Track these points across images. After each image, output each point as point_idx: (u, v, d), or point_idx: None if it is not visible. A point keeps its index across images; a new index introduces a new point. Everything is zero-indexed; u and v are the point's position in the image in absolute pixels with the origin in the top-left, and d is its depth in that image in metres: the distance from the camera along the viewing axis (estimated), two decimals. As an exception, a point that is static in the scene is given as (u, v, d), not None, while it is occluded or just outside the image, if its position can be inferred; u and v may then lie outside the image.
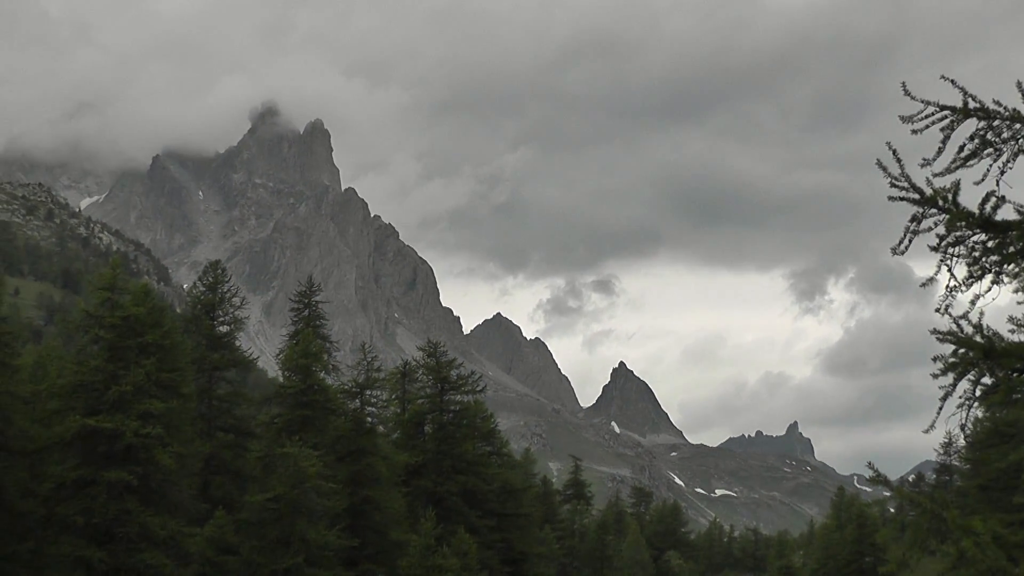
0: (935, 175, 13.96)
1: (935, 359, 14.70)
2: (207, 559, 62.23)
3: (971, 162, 13.98)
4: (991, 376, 14.70)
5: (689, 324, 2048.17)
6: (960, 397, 14.94)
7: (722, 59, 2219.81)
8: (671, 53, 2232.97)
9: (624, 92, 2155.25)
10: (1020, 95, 13.62)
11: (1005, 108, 13.72)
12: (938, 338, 14.52)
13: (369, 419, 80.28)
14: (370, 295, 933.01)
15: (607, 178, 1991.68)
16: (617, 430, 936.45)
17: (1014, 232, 13.78)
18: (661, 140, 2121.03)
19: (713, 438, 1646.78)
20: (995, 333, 14.43)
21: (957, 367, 14.60)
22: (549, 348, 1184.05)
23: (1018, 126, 13.72)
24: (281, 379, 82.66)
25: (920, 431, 15.55)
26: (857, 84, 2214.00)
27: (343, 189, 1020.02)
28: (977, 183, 13.98)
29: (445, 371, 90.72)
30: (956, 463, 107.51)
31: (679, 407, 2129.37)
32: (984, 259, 14.07)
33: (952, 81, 13.75)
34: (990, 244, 14.00)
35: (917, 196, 13.90)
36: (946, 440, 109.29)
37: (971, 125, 13.94)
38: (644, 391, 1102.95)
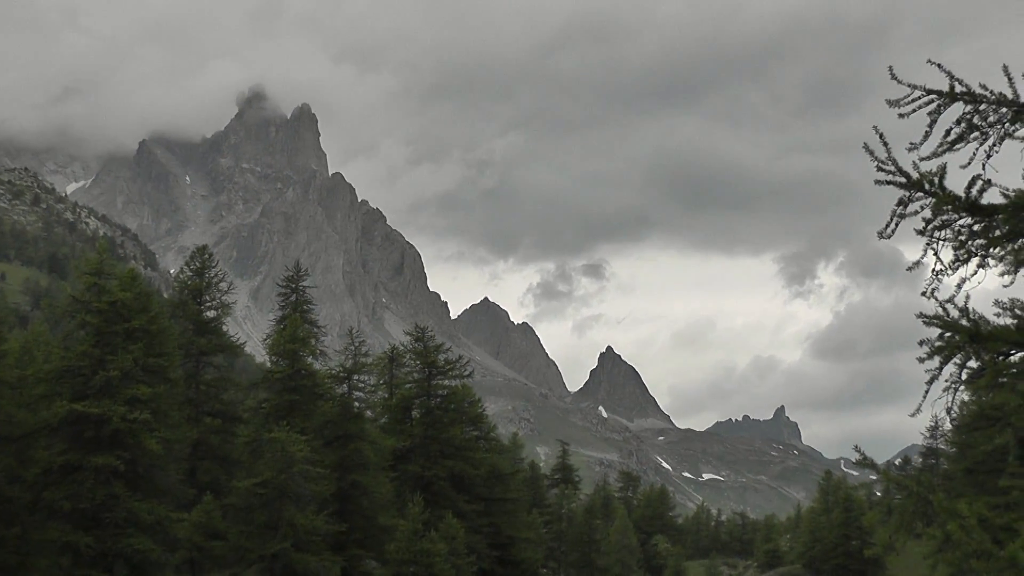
0: (922, 159, 13.97)
1: (921, 343, 14.72)
2: (194, 544, 62.25)
3: (957, 146, 13.98)
4: (977, 360, 14.72)
5: (679, 308, 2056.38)
6: (946, 381, 14.96)
7: (714, 43, 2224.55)
8: (663, 37, 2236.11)
9: (615, 76, 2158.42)
10: (1007, 79, 13.63)
11: (991, 92, 13.73)
12: (924, 322, 14.54)
13: (357, 404, 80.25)
14: (357, 280, 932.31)
15: (598, 162, 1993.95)
16: (605, 415, 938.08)
17: (1000, 216, 13.80)
18: (652, 124, 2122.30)
19: (702, 422, 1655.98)
20: (981, 317, 14.44)
21: (943, 351, 14.62)
22: (537, 333, 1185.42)
23: (1004, 110, 13.73)
24: (269, 364, 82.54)
25: (907, 415, 15.58)
26: (849, 68, 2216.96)
27: (330, 174, 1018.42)
28: (963, 167, 13.99)
29: (433, 356, 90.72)
30: (942, 446, 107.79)
31: (668, 391, 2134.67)
32: (970, 243, 14.09)
33: (939, 65, 13.75)
34: (976, 228, 14.02)
35: (904, 180, 13.90)
36: (932, 424, 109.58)
37: (958, 109, 13.95)
38: (632, 375, 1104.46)
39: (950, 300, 14.39)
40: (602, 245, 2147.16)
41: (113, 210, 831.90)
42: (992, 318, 14.56)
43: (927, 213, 14.07)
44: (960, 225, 14.09)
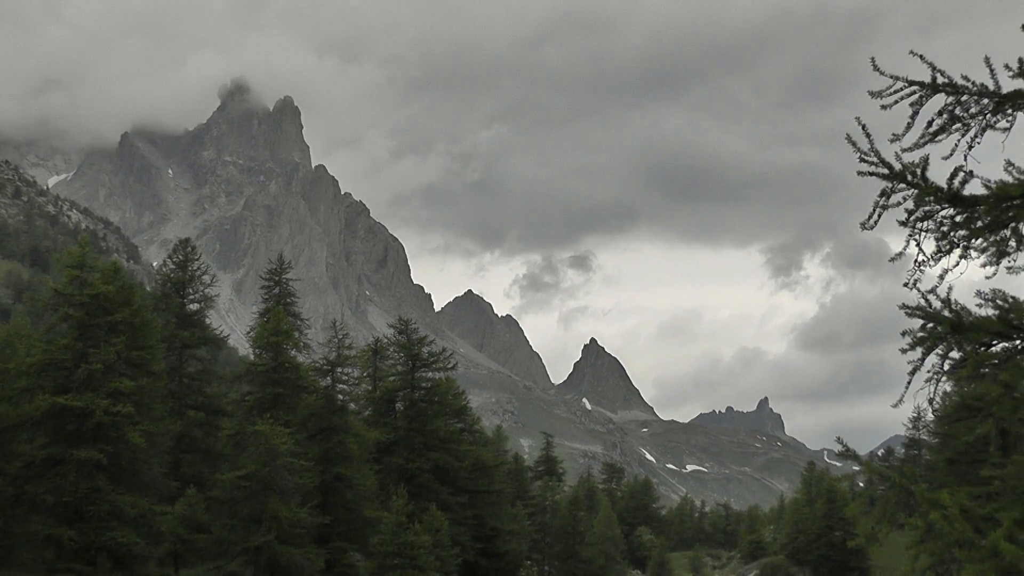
0: (904, 150, 13.99)
1: (904, 333, 14.75)
2: (178, 537, 62.19)
3: (940, 137, 14.00)
4: (959, 350, 14.77)
5: (665, 300, 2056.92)
6: (929, 371, 15.00)
7: (699, 35, 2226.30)
8: (648, 29, 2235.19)
9: (601, 68, 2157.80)
10: (988, 70, 13.66)
11: (973, 83, 13.75)
12: (907, 313, 14.57)
13: (340, 397, 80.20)
14: (341, 273, 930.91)
15: (584, 154, 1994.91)
16: (588, 407, 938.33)
17: (982, 207, 13.83)
18: (638, 116, 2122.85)
19: (686, 414, 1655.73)
20: (963, 307, 14.48)
21: (925, 341, 14.66)
22: (522, 325, 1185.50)
23: (986, 101, 13.75)
24: (252, 357, 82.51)
25: (890, 405, 15.62)
26: (834, 60, 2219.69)
27: (314, 167, 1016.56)
28: (945, 158, 14.02)
29: (416, 348, 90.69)
30: (925, 437, 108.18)
31: (654, 383, 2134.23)
32: (952, 234, 14.12)
33: (921, 56, 13.77)
34: (958, 219, 14.05)
35: (886, 171, 13.93)
36: (915, 415, 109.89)
37: (940, 100, 13.97)
38: (615, 367, 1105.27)
39: (932, 291, 14.43)
40: (588, 237, 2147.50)
41: (95, 203, 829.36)
42: (974, 309, 14.60)
43: (910, 204, 14.10)
44: (942, 216, 14.12)
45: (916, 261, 14.27)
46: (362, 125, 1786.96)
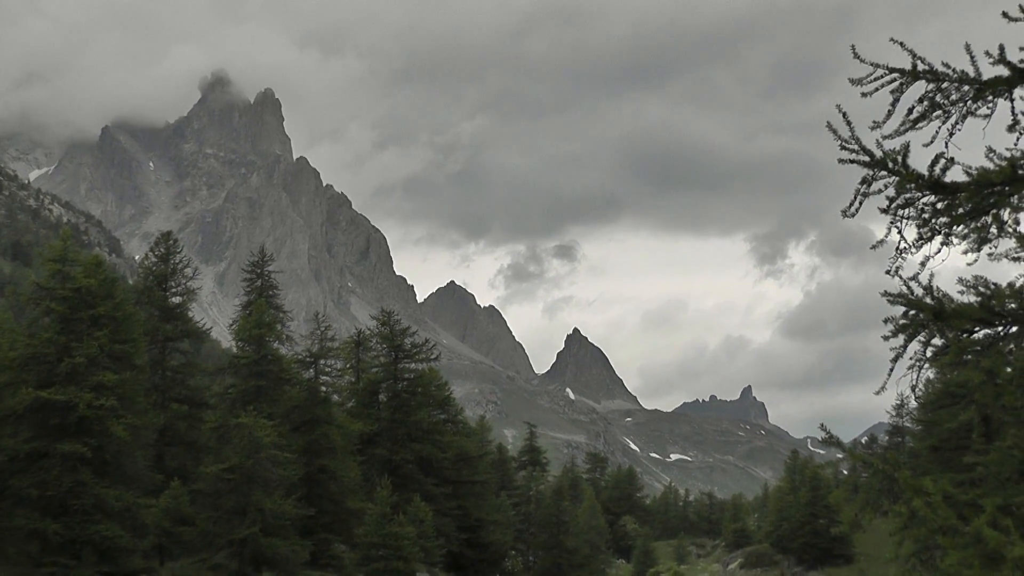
0: (885, 138, 14.04)
1: (886, 321, 14.81)
2: (163, 530, 62.13)
3: (920, 124, 14.04)
4: (941, 337, 14.83)
5: (650, 289, 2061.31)
6: (911, 359, 15.07)
7: (682, 25, 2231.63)
8: (631, 19, 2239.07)
9: (584, 58, 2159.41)
10: (969, 58, 13.70)
11: (953, 70, 13.79)
12: (889, 300, 14.63)
13: (323, 388, 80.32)
14: (323, 264, 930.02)
15: (568, 144, 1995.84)
16: (572, 396, 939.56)
17: (963, 194, 13.89)
18: (621, 106, 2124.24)
19: (671, 403, 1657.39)
20: (945, 295, 14.54)
21: (907, 328, 14.72)
22: (505, 315, 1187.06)
23: (966, 88, 13.79)
24: (235, 350, 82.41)
25: (873, 393, 15.69)
26: (817, 49, 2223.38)
27: (295, 159, 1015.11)
28: (926, 145, 14.06)
29: (399, 340, 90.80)
30: (908, 424, 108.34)
31: (639, 372, 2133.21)
32: (934, 221, 14.17)
33: (901, 44, 13.80)
34: (939, 206, 14.10)
35: (867, 158, 13.98)
36: (898, 402, 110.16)
37: (920, 87, 14.01)
38: (599, 357, 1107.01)
39: (914, 278, 14.48)
40: (573, 227, 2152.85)
41: (76, 197, 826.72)
42: (956, 296, 14.66)
43: (891, 191, 14.15)
44: (923, 203, 14.18)
45: (898, 248, 14.33)
46: (344, 117, 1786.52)
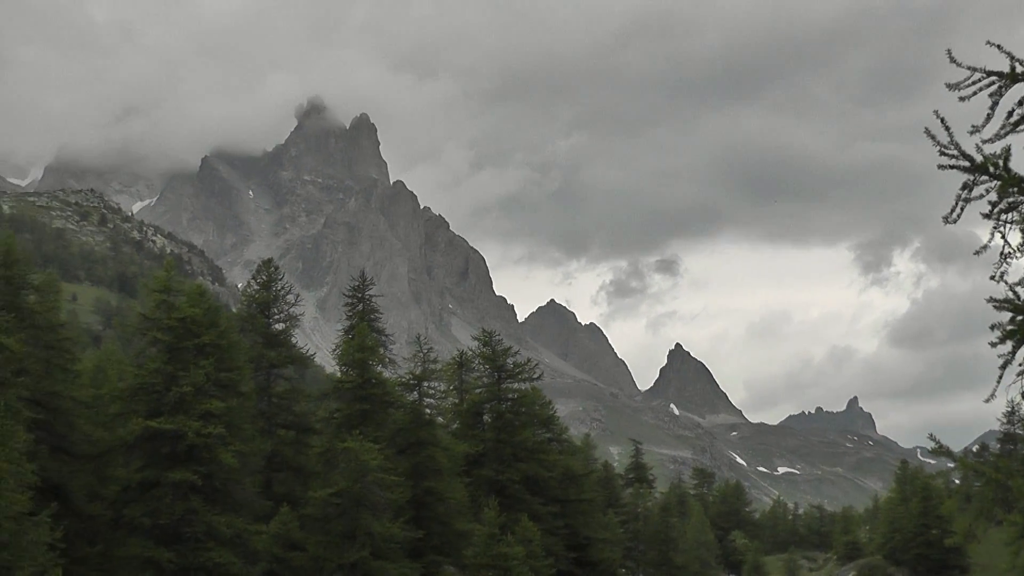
0: (985, 142, 13.87)
1: (993, 327, 14.61)
2: (274, 556, 62.61)
3: (1021, 128, 13.87)
4: (1050, 342, 14.59)
5: (753, 301, 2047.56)
6: (1020, 364, 14.85)
7: (776, 33, 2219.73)
8: (725, 30, 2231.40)
9: (678, 71, 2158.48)
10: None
11: (1054, 72, 13.59)
12: (995, 306, 14.44)
13: (428, 411, 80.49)
14: (423, 287, 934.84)
15: (665, 158, 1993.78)
16: (676, 412, 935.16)
17: (1067, 196, 13.68)
18: (717, 118, 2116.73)
19: (776, 416, 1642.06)
20: (1052, 299, 14.31)
21: (1015, 335, 14.51)
22: (607, 332, 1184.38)
23: (1067, 89, 13.59)
24: (338, 374, 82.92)
25: (983, 400, 15.46)
26: (914, 53, 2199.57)
27: (391, 182, 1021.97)
28: (1028, 148, 13.88)
29: (501, 360, 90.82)
30: (1020, 431, 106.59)
31: (744, 386, 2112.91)
32: (1038, 225, 13.97)
33: (999, 46, 13.64)
34: (1044, 209, 13.90)
35: (967, 163, 13.82)
36: (1009, 409, 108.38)
37: (1020, 90, 13.83)
38: (702, 372, 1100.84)
39: (1021, 283, 14.29)
40: (674, 241, 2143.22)
41: (179, 227, 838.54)
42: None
43: (993, 196, 13.98)
44: (1027, 207, 13.98)
45: (1002, 253, 14.14)
46: (439, 139, 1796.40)
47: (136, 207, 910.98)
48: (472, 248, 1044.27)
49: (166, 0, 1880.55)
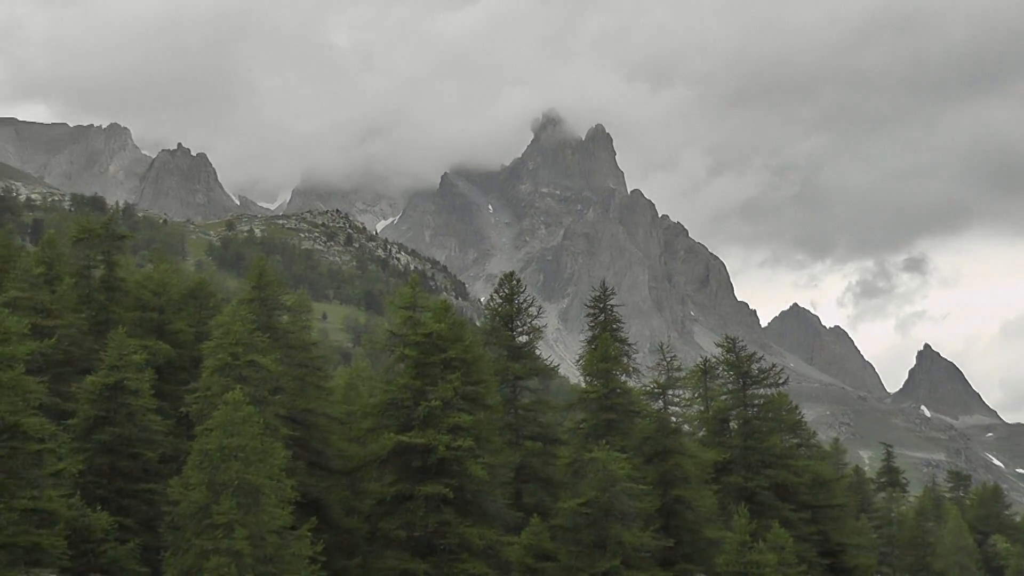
0: None
1: None
2: (526, 567, 63.15)
3: None
4: None
5: (1008, 298, 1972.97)
6: None
7: (1021, 24, 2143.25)
8: (969, 23, 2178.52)
9: (921, 67, 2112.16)
10: None
11: None
12: None
13: (673, 419, 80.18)
14: (664, 295, 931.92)
15: (909, 156, 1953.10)
16: (927, 414, 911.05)
17: None
18: (962, 112, 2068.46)
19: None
20: None
21: None
22: (852, 335, 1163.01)
23: None
24: (583, 385, 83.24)
25: None
26: None
27: (629, 192, 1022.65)
28: None
29: (745, 365, 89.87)
30: None
31: (1000, 385, 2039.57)
32: None
33: None
34: None
35: None
36: None
37: None
38: (953, 372, 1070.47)
39: None
40: (921, 239, 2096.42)
41: (421, 244, 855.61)
42: None
43: None
44: None
45: None
46: (676, 146, 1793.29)
47: (380, 226, 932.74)
48: (712, 254, 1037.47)
49: (403, 22, 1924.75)
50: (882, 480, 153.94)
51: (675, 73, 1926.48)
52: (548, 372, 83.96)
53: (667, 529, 69.65)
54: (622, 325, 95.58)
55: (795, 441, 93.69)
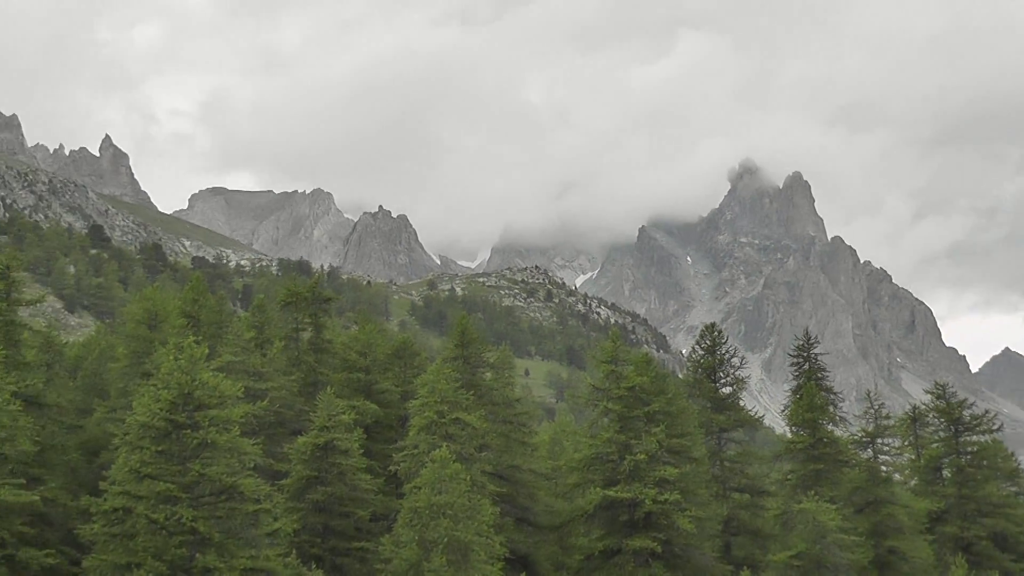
0: None
1: None
2: (737, 620, 62.50)
3: None
4: None
5: None
6: None
7: None
8: None
9: None
10: None
11: None
12: None
13: (883, 468, 78.71)
14: (869, 342, 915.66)
15: None
16: None
17: None
18: None
19: None
20: None
21: None
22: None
23: None
24: (789, 435, 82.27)
25: None
26: None
27: (829, 238, 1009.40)
28: None
29: (957, 412, 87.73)
30: None
31: None
32: None
33: None
34: None
35: None
36: None
37: None
38: None
39: None
40: None
41: (620, 297, 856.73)
42: None
43: None
44: None
45: None
46: (878, 191, 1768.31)
47: (579, 280, 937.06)
48: (917, 300, 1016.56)
49: (597, 78, 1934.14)
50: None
51: (874, 116, 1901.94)
52: (753, 423, 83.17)
53: (881, 581, 68.25)
54: (827, 374, 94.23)
55: (1013, 489, 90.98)
